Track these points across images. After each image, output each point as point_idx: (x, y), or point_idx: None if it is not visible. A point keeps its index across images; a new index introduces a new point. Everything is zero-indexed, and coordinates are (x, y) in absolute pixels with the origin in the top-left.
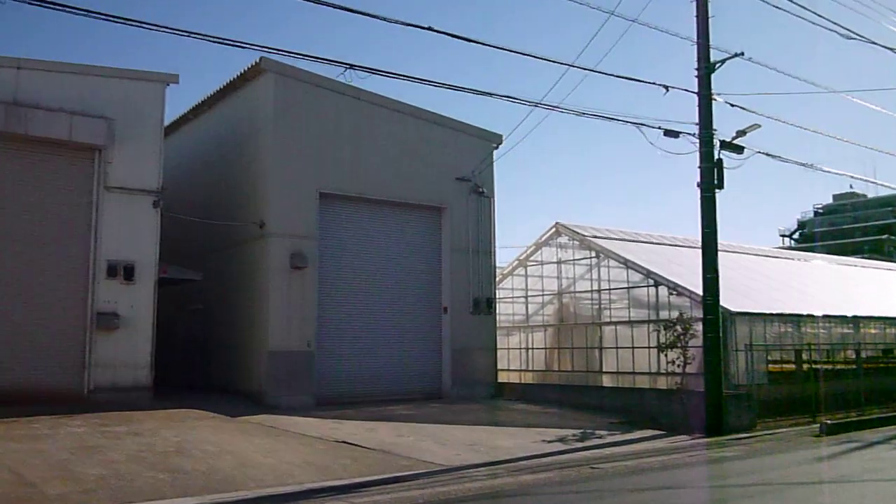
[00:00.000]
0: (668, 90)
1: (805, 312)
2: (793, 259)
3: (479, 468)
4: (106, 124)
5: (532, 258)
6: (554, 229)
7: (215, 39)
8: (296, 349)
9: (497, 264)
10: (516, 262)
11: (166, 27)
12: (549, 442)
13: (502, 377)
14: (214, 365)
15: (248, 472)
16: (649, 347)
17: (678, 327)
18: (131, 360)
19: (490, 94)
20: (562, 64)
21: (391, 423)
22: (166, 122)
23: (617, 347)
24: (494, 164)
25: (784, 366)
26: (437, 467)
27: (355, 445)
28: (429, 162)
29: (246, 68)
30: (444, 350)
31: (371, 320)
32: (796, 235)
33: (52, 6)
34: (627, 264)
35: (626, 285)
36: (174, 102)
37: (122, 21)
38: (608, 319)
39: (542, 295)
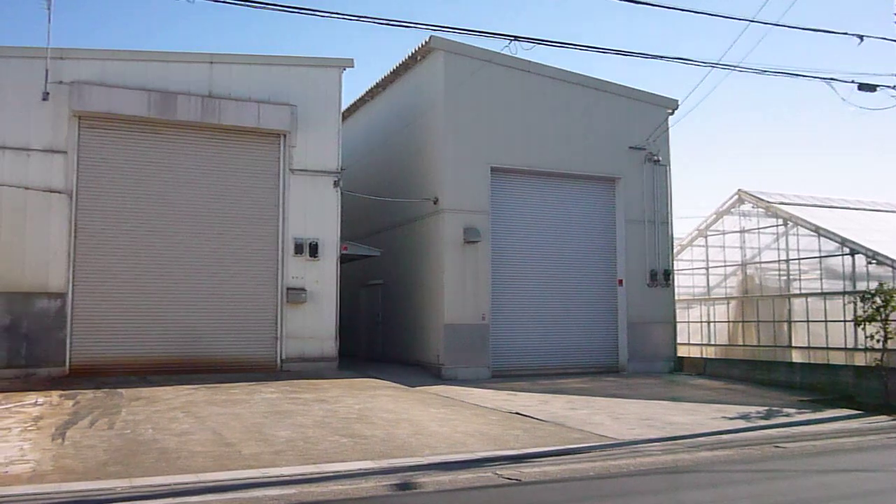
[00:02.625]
0: (862, 40)
1: None
2: None
3: (654, 443)
4: (289, 111)
5: (713, 228)
6: (736, 197)
7: (385, 22)
8: (471, 322)
9: (675, 235)
10: (696, 233)
11: (340, 13)
12: (731, 419)
13: (682, 351)
14: (393, 337)
15: (424, 439)
16: (844, 321)
17: (877, 299)
18: (318, 333)
19: (662, 58)
20: (741, 20)
21: (564, 395)
22: (344, 106)
23: (808, 321)
24: (670, 130)
25: None
26: (610, 441)
27: (528, 417)
28: (600, 132)
29: (416, 48)
30: (619, 323)
31: (545, 294)
32: None
33: (234, 3)
34: (819, 232)
35: (817, 254)
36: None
37: (298, 10)
38: (797, 291)
39: (725, 266)
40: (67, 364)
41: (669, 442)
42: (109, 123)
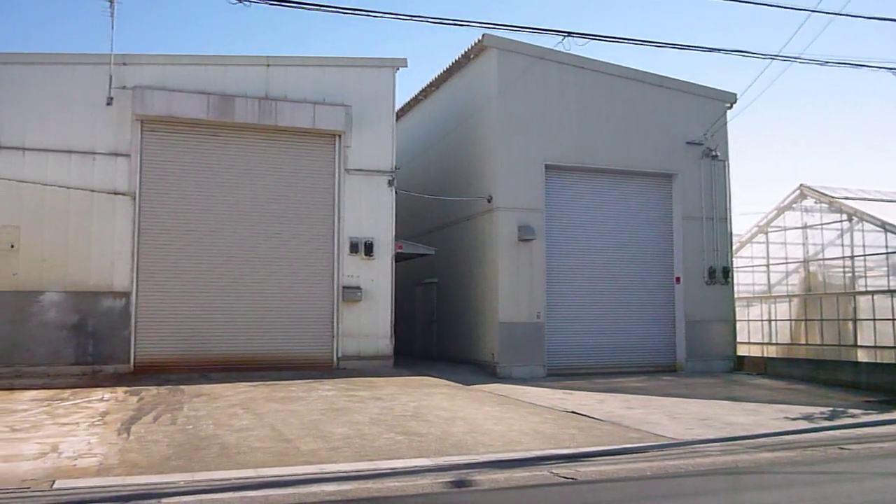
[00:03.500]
0: None
1: None
2: None
3: (713, 444)
4: (344, 111)
5: (773, 224)
6: (798, 192)
7: (439, 21)
8: (525, 320)
9: (734, 232)
10: (755, 229)
11: (394, 14)
12: (793, 419)
13: (742, 350)
14: (448, 336)
15: (479, 437)
16: None
17: None
18: (373, 331)
19: (720, 50)
20: (802, 10)
21: (621, 394)
22: (398, 105)
23: (874, 319)
24: (728, 124)
25: None
26: (668, 440)
27: (583, 416)
28: (656, 127)
29: (469, 46)
30: (677, 322)
31: (600, 291)
32: None
33: (290, 4)
34: (886, 227)
35: (884, 250)
36: (403, 85)
37: (353, 11)
38: (863, 289)
39: (786, 263)
40: (132, 361)
41: (729, 442)
42: (170, 126)
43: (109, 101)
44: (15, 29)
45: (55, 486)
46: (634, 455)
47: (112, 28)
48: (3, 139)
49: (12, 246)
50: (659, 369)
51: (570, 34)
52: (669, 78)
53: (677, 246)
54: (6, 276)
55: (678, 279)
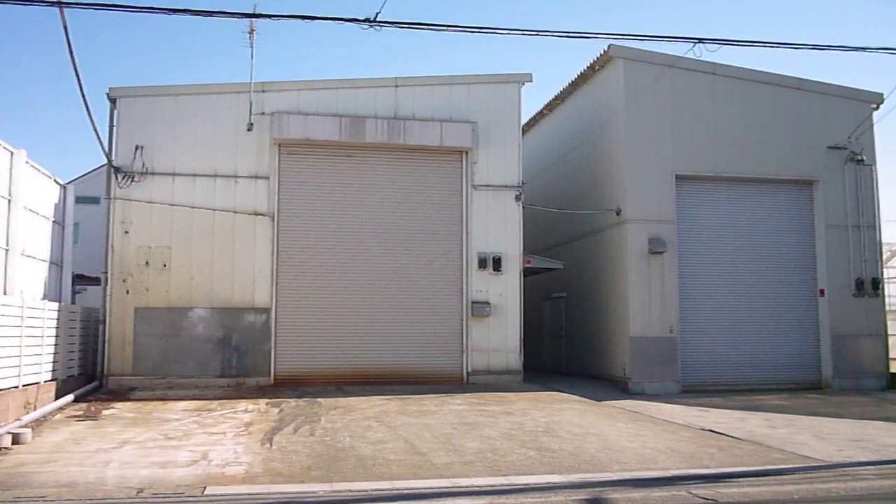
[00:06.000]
0: None
1: None
2: None
3: (866, 466)
4: (471, 128)
5: None
6: None
7: (566, 34)
8: (658, 335)
9: (884, 240)
10: None
11: (521, 30)
12: None
13: (895, 367)
14: (578, 350)
15: (612, 454)
16: None
17: None
18: (502, 346)
19: (863, 49)
20: None
21: (761, 413)
22: (523, 120)
23: None
24: (875, 127)
25: None
26: (816, 462)
27: (722, 434)
28: (794, 132)
29: (595, 58)
30: (821, 336)
31: (736, 305)
32: None
33: (419, 26)
34: None
35: None
36: (528, 99)
37: (479, 30)
38: None
39: None
40: (272, 374)
41: (885, 466)
42: (306, 149)
43: (250, 127)
44: (163, 62)
45: (206, 491)
46: (780, 477)
47: (251, 57)
48: (157, 166)
49: (165, 265)
50: (802, 387)
51: (700, 40)
52: (807, 80)
53: (820, 256)
54: (160, 294)
55: (822, 291)
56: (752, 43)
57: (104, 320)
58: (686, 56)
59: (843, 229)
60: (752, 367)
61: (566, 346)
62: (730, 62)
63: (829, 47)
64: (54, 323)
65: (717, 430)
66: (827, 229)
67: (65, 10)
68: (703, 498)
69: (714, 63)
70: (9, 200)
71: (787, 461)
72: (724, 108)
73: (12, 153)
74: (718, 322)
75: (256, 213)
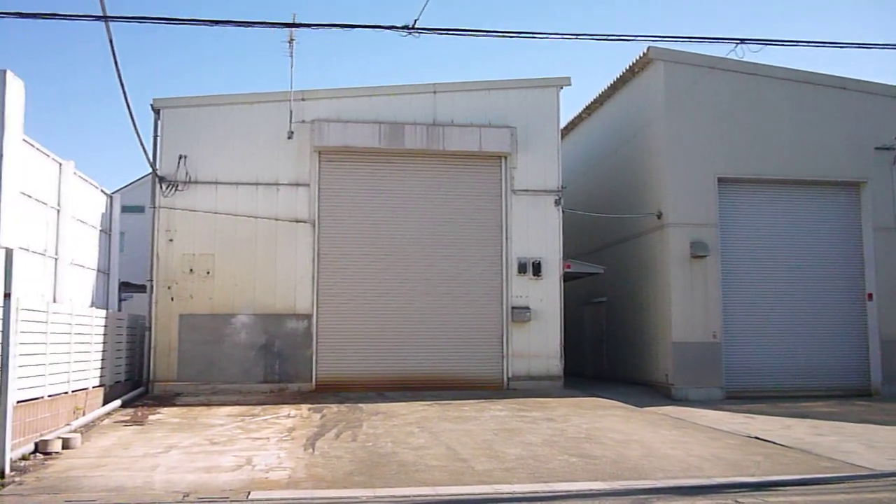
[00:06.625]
0: None
1: None
2: None
3: None
4: (509, 133)
5: None
6: None
7: (604, 38)
8: (700, 340)
9: None
10: None
11: (559, 34)
12: None
13: None
14: (619, 356)
15: (655, 462)
16: None
17: None
18: (543, 351)
19: None
20: None
21: (808, 420)
22: (563, 123)
23: None
24: None
25: None
26: (866, 471)
27: (768, 442)
28: (839, 133)
29: (634, 61)
30: (870, 342)
31: (781, 310)
32: None
33: (457, 32)
34: None
35: None
36: (567, 103)
37: (517, 35)
38: None
39: None
40: (314, 380)
41: None
42: (345, 156)
43: (290, 135)
44: (205, 72)
45: (251, 496)
46: (828, 486)
47: (291, 66)
48: (200, 175)
49: (208, 272)
50: (850, 393)
51: (742, 41)
52: (852, 79)
53: (868, 259)
54: (203, 300)
55: (870, 295)
56: (796, 42)
57: (150, 327)
58: (727, 57)
59: (891, 231)
60: (798, 373)
61: (607, 352)
62: (771, 62)
63: (874, 45)
64: (102, 330)
65: (762, 437)
66: (875, 231)
67: (110, 23)
68: None
69: (755, 63)
70: (58, 211)
71: (835, 470)
72: (766, 109)
73: (61, 164)
74: (763, 327)
75: (297, 221)
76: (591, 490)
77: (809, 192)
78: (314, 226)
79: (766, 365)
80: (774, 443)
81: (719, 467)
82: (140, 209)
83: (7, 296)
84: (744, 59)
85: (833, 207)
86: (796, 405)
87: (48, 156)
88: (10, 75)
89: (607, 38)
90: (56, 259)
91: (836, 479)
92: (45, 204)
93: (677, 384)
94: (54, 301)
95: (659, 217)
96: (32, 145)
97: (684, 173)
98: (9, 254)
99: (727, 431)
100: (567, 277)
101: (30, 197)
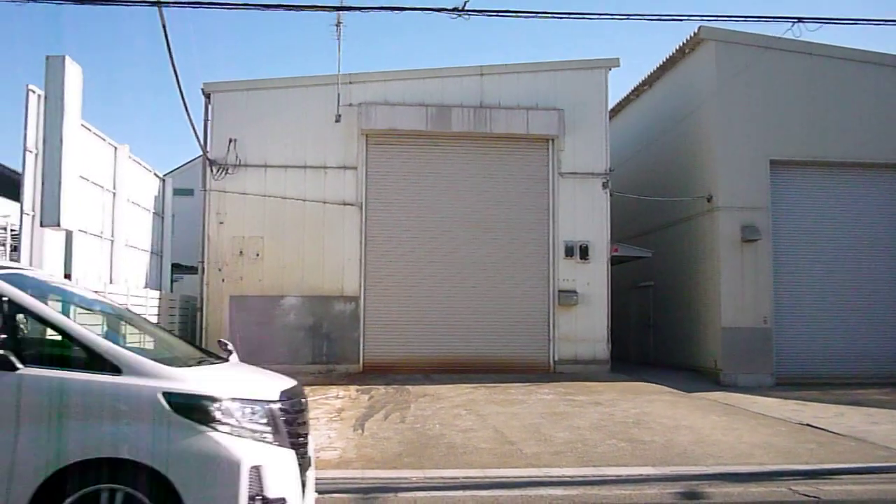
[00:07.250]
0: None
1: None
2: None
3: None
4: (557, 115)
5: None
6: None
7: (656, 17)
8: (751, 325)
9: None
10: None
11: (609, 14)
12: None
13: None
14: (666, 341)
15: (706, 448)
16: None
17: None
18: (590, 335)
19: None
20: None
21: (862, 407)
22: (610, 105)
23: None
24: None
25: None
26: None
27: (821, 429)
28: None
29: (684, 41)
30: None
31: (834, 295)
32: None
33: (503, 14)
34: None
35: None
36: (615, 85)
37: (567, 16)
38: None
39: None
40: (361, 361)
41: None
42: (392, 139)
43: (338, 118)
44: (254, 56)
45: None
46: (885, 476)
47: (339, 50)
48: (249, 159)
49: (258, 255)
50: None
51: (799, 20)
52: None
53: None
54: (254, 282)
55: None
56: (855, 21)
57: (201, 308)
58: (783, 36)
59: None
60: (851, 359)
61: (654, 336)
62: (829, 41)
63: None
64: (156, 310)
65: (815, 424)
66: None
67: (163, 9)
68: (805, 495)
69: (810, 42)
70: (113, 193)
71: (892, 458)
72: (821, 89)
73: (116, 148)
74: (815, 312)
75: (345, 203)
76: (640, 475)
77: (865, 174)
78: (361, 208)
79: (818, 351)
80: (828, 430)
81: (771, 454)
82: (190, 192)
83: (67, 276)
84: (800, 39)
85: (890, 189)
86: (849, 392)
87: (104, 140)
88: (68, 61)
89: (658, 17)
90: (112, 241)
91: (892, 469)
92: (102, 187)
93: (726, 370)
94: (111, 282)
95: (709, 200)
96: (90, 129)
97: (736, 156)
98: (69, 236)
99: (778, 418)
100: (614, 261)
101: (87, 180)
